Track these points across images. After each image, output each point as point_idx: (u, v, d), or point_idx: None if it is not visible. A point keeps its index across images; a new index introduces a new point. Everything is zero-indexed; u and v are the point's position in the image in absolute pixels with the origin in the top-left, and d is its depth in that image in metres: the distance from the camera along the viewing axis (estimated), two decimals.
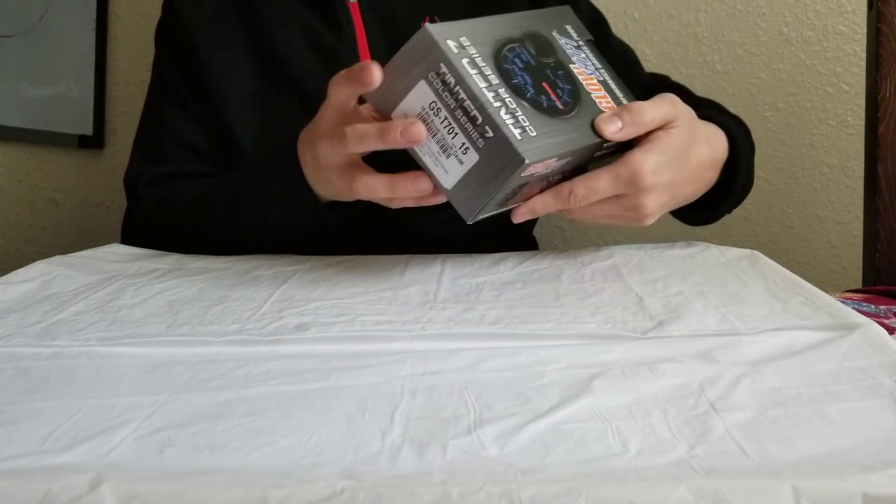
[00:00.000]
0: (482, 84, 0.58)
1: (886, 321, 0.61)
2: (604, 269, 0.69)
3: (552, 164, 0.60)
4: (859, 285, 0.98)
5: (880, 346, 0.48)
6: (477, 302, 0.60)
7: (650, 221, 0.68)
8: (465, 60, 0.59)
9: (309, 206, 0.74)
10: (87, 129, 1.38)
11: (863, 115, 1.06)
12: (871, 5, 0.94)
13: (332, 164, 0.67)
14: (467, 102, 0.58)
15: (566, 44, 0.68)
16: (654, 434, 0.38)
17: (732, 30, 1.23)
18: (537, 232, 1.06)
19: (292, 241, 0.80)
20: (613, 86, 0.70)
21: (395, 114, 0.60)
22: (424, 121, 0.59)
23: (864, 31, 1.00)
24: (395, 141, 0.60)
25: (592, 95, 0.66)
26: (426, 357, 0.49)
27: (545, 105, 0.61)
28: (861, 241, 1.00)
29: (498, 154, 0.57)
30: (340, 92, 0.64)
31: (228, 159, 0.90)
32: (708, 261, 0.71)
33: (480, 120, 0.57)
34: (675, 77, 1.23)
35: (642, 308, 0.58)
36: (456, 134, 0.58)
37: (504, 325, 0.55)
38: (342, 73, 0.63)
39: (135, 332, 0.55)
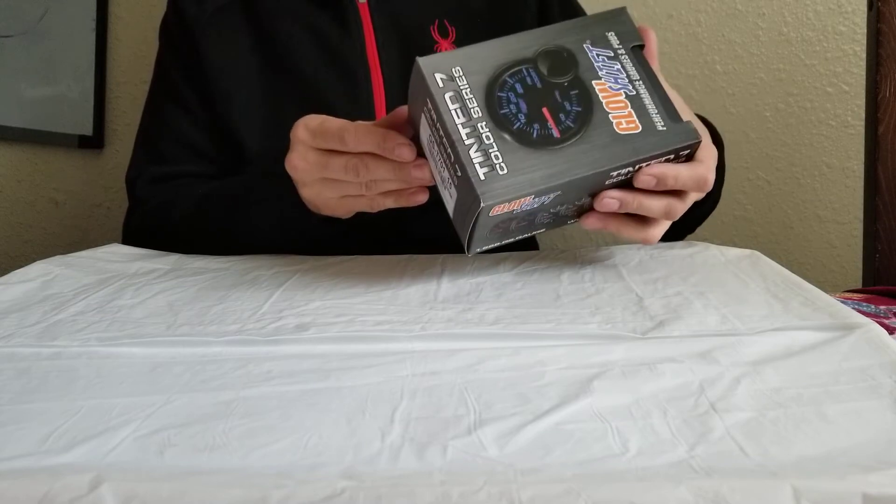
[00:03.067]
0: (460, 119, 0.57)
1: (886, 321, 0.61)
2: (604, 269, 0.69)
3: (536, 201, 0.58)
4: (859, 285, 0.98)
5: (880, 346, 0.48)
6: (477, 302, 0.60)
7: (659, 235, 0.66)
8: (448, 95, 0.57)
9: (304, 220, 0.74)
10: (87, 129, 1.38)
11: (863, 115, 1.06)
12: (871, 5, 0.94)
13: (310, 186, 0.69)
14: (445, 139, 0.57)
15: (598, 55, 0.63)
16: (654, 434, 0.38)
17: (732, 30, 1.23)
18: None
19: (289, 248, 0.80)
20: (648, 100, 0.62)
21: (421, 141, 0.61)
22: (430, 151, 0.59)
23: (864, 31, 1.00)
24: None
25: (610, 116, 0.60)
26: (426, 357, 0.49)
27: (535, 135, 0.58)
28: (861, 241, 1.00)
29: (466, 194, 0.56)
30: (358, 145, 0.62)
31: (231, 159, 0.90)
32: (708, 261, 0.71)
33: (453, 158, 0.57)
34: (675, 77, 1.24)
35: (642, 308, 0.57)
36: (444, 168, 0.58)
37: (504, 325, 0.55)
38: (373, 133, 0.61)
39: (135, 332, 0.55)
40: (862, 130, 1.01)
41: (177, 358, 0.50)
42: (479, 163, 0.56)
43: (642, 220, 0.64)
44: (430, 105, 0.58)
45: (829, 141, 1.23)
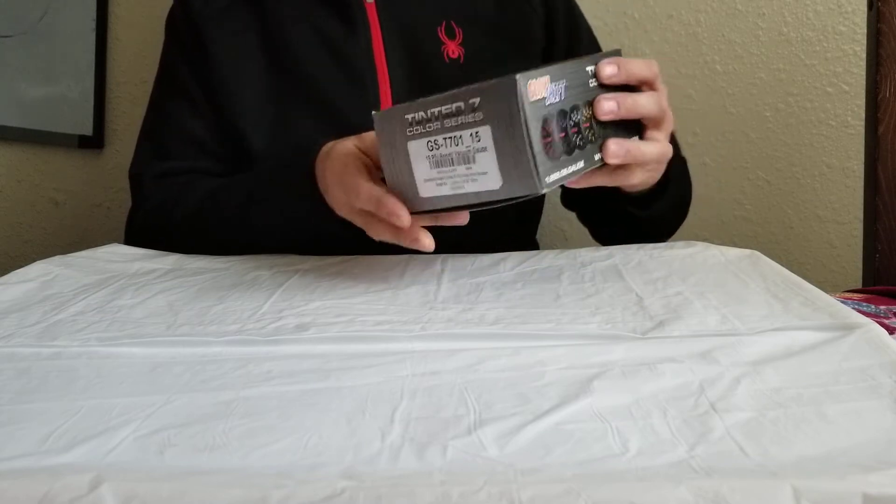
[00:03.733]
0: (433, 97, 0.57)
1: (886, 321, 0.61)
2: (604, 269, 0.69)
3: (555, 89, 0.57)
4: (859, 285, 0.98)
5: (880, 346, 0.48)
6: (477, 302, 0.60)
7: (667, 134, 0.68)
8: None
9: (324, 222, 0.73)
10: (87, 129, 1.38)
11: (863, 115, 1.06)
12: (871, 5, 0.94)
13: (339, 206, 0.69)
14: (444, 108, 0.56)
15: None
16: (654, 434, 0.38)
17: (732, 30, 1.23)
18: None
19: (298, 245, 0.80)
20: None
21: (422, 192, 0.60)
22: (438, 164, 0.58)
23: (864, 31, 1.00)
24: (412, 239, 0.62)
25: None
26: (426, 357, 0.49)
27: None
28: (861, 241, 1.00)
29: (496, 98, 0.54)
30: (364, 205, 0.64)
31: (236, 156, 0.90)
32: (708, 261, 0.71)
33: (463, 105, 0.55)
34: (675, 77, 1.24)
35: (642, 308, 0.57)
36: (460, 137, 0.57)
37: (504, 325, 0.55)
38: (372, 197, 0.63)
39: (135, 333, 0.55)
40: (862, 130, 1.01)
41: (177, 358, 0.50)
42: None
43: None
44: (408, 117, 0.58)
45: (829, 141, 1.23)
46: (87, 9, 1.36)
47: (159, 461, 0.37)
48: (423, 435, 0.39)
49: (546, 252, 0.77)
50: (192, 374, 0.47)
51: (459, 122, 0.56)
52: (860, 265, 0.99)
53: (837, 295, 0.70)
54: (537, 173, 0.55)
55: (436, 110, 0.57)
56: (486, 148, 0.56)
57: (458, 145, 0.57)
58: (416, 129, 0.58)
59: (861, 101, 1.18)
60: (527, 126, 0.54)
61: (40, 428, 0.40)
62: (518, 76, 0.53)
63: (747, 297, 0.59)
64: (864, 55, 1.11)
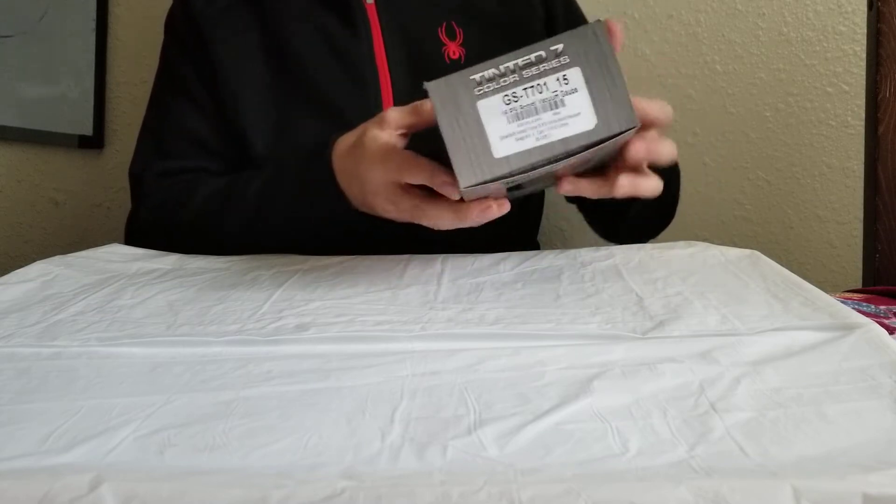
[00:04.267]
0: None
1: (886, 321, 0.61)
2: (604, 269, 0.69)
3: None
4: (859, 285, 0.98)
5: (880, 346, 0.48)
6: (477, 302, 0.60)
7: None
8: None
9: (344, 213, 0.73)
10: (87, 129, 1.38)
11: (863, 115, 1.06)
12: (871, 5, 0.94)
13: (379, 191, 0.67)
14: (520, 60, 0.56)
15: None
16: (654, 434, 0.38)
17: (732, 30, 1.23)
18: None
19: (308, 245, 0.80)
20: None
21: (497, 153, 0.57)
22: (518, 116, 0.56)
23: (864, 31, 1.00)
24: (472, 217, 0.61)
25: None
26: (426, 357, 0.49)
27: None
28: (861, 241, 1.00)
29: (581, 44, 0.56)
30: (403, 121, 0.64)
31: (237, 156, 0.90)
32: (708, 261, 0.71)
33: (544, 53, 0.56)
34: (675, 77, 1.24)
35: (642, 308, 0.57)
36: (545, 83, 0.56)
37: (504, 325, 0.55)
38: (423, 168, 0.62)
39: (135, 332, 0.55)
40: (862, 130, 1.01)
41: (177, 358, 0.50)
42: None
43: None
44: (473, 78, 0.56)
45: (829, 141, 1.23)
46: (87, 9, 1.36)
47: (159, 461, 0.37)
48: (423, 435, 0.39)
49: (546, 252, 0.77)
50: (192, 374, 0.47)
51: (542, 69, 0.56)
52: (860, 265, 0.99)
53: (837, 295, 0.70)
54: (631, 106, 0.56)
55: (510, 64, 0.56)
56: (576, 89, 0.56)
57: (541, 92, 0.56)
58: (488, 87, 0.57)
59: (861, 101, 1.18)
60: (616, 62, 0.55)
61: (40, 428, 0.40)
62: (596, 21, 0.55)
63: (747, 297, 0.59)
64: (864, 55, 1.11)
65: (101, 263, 0.76)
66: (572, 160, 0.58)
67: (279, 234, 0.81)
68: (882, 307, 0.66)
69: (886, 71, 0.91)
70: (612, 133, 0.56)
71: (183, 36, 0.93)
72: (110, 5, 1.37)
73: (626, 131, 0.56)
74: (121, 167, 0.97)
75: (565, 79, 0.56)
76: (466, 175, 0.56)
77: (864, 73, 0.97)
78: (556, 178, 0.64)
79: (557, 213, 1.25)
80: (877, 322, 0.52)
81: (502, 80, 0.56)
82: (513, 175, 0.56)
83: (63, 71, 1.38)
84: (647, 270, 0.68)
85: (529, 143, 0.56)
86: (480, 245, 0.79)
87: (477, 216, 0.61)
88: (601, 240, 0.98)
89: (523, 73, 0.56)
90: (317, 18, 0.90)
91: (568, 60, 0.56)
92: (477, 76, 0.57)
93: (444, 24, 0.91)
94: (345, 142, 0.72)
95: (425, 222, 0.65)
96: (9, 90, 1.40)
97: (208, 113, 0.91)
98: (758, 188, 1.26)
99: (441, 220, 0.63)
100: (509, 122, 0.56)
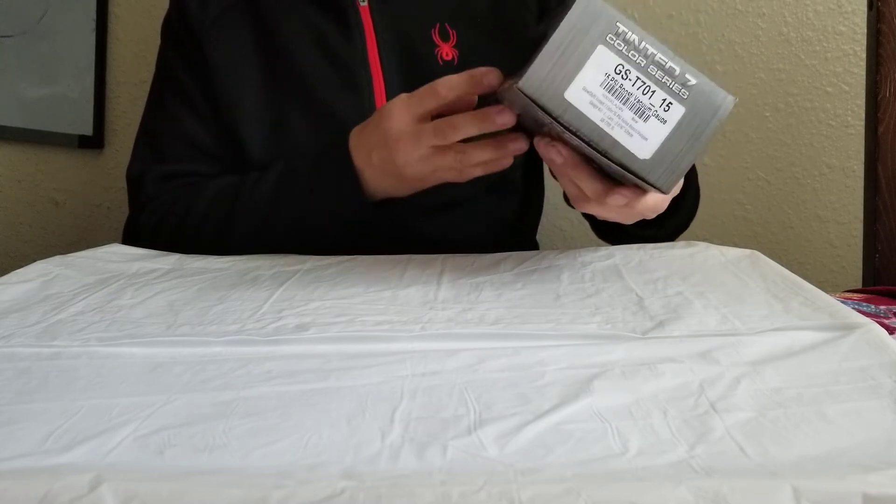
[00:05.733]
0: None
1: (886, 321, 0.61)
2: (604, 269, 0.69)
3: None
4: (859, 285, 0.98)
5: (880, 346, 0.48)
6: (477, 302, 0.60)
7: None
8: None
9: (360, 207, 0.78)
10: (87, 129, 1.38)
11: (863, 115, 1.06)
12: (871, 5, 0.94)
13: (411, 158, 0.71)
14: (659, 56, 0.55)
15: None
16: (654, 434, 0.38)
17: (732, 30, 1.23)
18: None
19: (318, 242, 0.80)
20: None
21: (568, 94, 0.56)
22: (611, 89, 0.55)
23: (864, 31, 1.00)
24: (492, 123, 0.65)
25: None
26: (426, 357, 0.49)
27: None
28: (861, 241, 1.00)
29: (704, 100, 0.55)
30: (451, 92, 0.68)
31: (234, 159, 0.90)
32: (708, 261, 0.71)
33: (678, 71, 0.55)
34: None
35: (642, 308, 0.57)
36: (653, 92, 0.55)
37: (504, 325, 0.55)
38: (455, 76, 0.67)
39: (135, 332, 0.55)
40: (862, 130, 1.01)
41: (177, 358, 0.50)
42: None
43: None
44: (622, 29, 0.55)
45: (829, 141, 1.23)
46: (87, 9, 1.36)
47: (159, 461, 0.37)
48: (423, 435, 0.39)
49: (546, 252, 0.77)
50: (192, 374, 0.47)
51: (664, 80, 0.55)
52: (860, 265, 0.99)
53: (837, 295, 0.70)
54: (680, 172, 0.56)
55: (651, 50, 0.55)
56: (665, 121, 0.55)
57: (644, 94, 0.55)
58: (618, 44, 0.55)
59: (861, 101, 1.18)
60: (707, 140, 0.55)
61: (40, 428, 0.40)
62: (731, 97, 0.55)
63: (747, 297, 0.59)
64: (864, 55, 1.11)
65: (101, 263, 0.76)
66: (600, 160, 0.58)
67: (288, 235, 0.81)
68: (882, 307, 0.66)
69: (886, 71, 0.92)
70: (647, 178, 0.56)
71: (179, 40, 0.93)
72: (110, 5, 1.37)
73: (655, 186, 0.56)
74: (121, 167, 0.96)
75: (668, 106, 0.55)
76: (532, 83, 0.55)
77: (864, 73, 0.97)
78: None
79: (558, 213, 1.25)
80: (877, 322, 0.52)
81: (632, 52, 0.55)
82: (556, 120, 0.56)
83: (63, 71, 1.38)
84: (647, 270, 0.68)
85: (594, 116, 0.56)
86: (480, 245, 0.79)
87: (510, 148, 0.67)
88: (601, 240, 0.98)
89: (650, 68, 0.55)
90: (311, 21, 0.90)
91: (685, 97, 0.55)
92: (621, 27, 0.55)
93: (438, 25, 0.91)
94: (358, 127, 0.77)
95: (449, 135, 0.68)
96: (9, 90, 1.40)
97: (205, 117, 0.91)
98: (758, 188, 1.26)
99: (480, 155, 0.68)
100: (600, 86, 0.55)
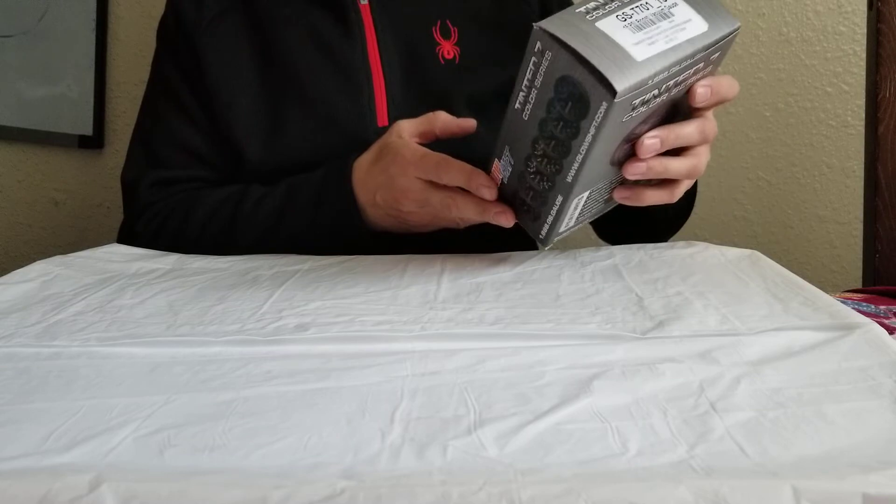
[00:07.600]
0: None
1: (886, 321, 0.61)
2: (604, 269, 0.69)
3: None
4: (859, 285, 0.98)
5: (880, 346, 0.48)
6: (477, 302, 0.60)
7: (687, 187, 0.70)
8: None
9: (359, 236, 0.79)
10: (87, 129, 1.38)
11: (863, 115, 1.06)
12: (871, 5, 0.94)
13: (408, 192, 0.73)
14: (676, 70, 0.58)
15: None
16: (654, 434, 0.38)
17: None
18: None
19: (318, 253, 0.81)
20: None
21: (635, 55, 0.57)
22: (639, 27, 0.58)
23: (864, 31, 1.00)
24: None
25: None
26: (426, 357, 0.49)
27: None
28: (861, 241, 1.00)
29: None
30: (452, 180, 0.69)
31: (230, 165, 0.90)
32: (708, 261, 0.71)
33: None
34: None
35: (642, 308, 0.57)
36: (645, 3, 0.59)
37: (504, 325, 0.55)
38: (462, 171, 0.68)
39: (135, 333, 0.55)
40: (862, 130, 1.01)
41: (177, 358, 0.50)
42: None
43: (665, 182, 0.68)
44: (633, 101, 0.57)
45: (829, 141, 1.23)
46: (87, 9, 1.36)
47: (159, 461, 0.37)
48: (423, 435, 0.39)
49: (546, 252, 0.77)
50: (192, 374, 0.47)
51: None
52: (860, 265, 0.99)
53: (837, 295, 0.70)
54: (727, 11, 0.60)
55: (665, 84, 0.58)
56: (676, 3, 0.59)
57: (648, 9, 0.59)
58: (597, 13, 0.58)
59: (861, 101, 1.18)
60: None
61: (40, 428, 0.40)
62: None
63: (747, 297, 0.59)
64: (864, 55, 1.11)
65: (101, 263, 0.76)
66: (673, 92, 0.60)
67: (285, 251, 0.81)
68: (882, 307, 0.66)
69: (886, 71, 0.92)
70: (723, 33, 0.59)
71: (174, 45, 0.92)
72: (110, 5, 1.37)
73: (733, 31, 0.60)
74: (121, 167, 0.97)
75: (674, 3, 0.59)
76: (619, 79, 0.55)
77: (864, 73, 0.97)
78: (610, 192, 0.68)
79: None
80: (877, 322, 0.52)
81: (607, 6, 0.58)
82: (656, 77, 0.57)
83: (63, 71, 1.38)
84: (647, 270, 0.68)
85: (661, 46, 0.58)
86: (480, 245, 0.79)
87: (491, 216, 0.68)
88: (601, 240, 0.98)
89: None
90: (310, 20, 0.90)
91: None
92: (582, 8, 0.58)
93: (439, 23, 0.91)
94: (365, 159, 0.78)
95: (453, 213, 0.70)
96: (9, 90, 1.40)
97: (201, 122, 0.90)
98: (758, 188, 1.26)
99: (468, 210, 0.69)
100: (634, 33, 0.57)
